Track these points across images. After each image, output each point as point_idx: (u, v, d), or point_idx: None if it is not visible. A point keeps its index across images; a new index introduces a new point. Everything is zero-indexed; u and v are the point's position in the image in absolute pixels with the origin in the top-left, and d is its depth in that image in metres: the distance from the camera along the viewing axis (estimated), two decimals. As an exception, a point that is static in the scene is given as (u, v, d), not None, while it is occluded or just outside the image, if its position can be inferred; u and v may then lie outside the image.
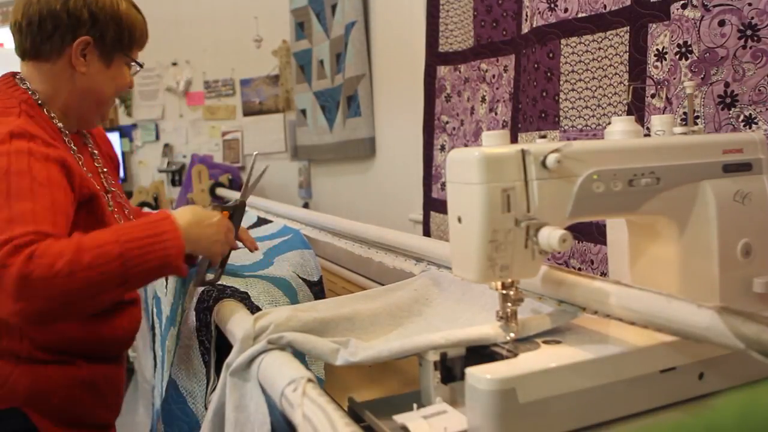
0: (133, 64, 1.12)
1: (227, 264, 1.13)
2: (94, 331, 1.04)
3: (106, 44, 1.05)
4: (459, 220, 0.66)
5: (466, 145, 1.74)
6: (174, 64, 3.53)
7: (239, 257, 1.38)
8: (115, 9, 1.04)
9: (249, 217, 2.00)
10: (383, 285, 0.97)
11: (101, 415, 1.09)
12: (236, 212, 1.10)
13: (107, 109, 1.15)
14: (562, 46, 1.28)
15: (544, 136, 1.33)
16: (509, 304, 0.67)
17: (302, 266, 1.27)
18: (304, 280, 1.21)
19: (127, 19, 1.06)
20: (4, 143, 0.89)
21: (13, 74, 1.06)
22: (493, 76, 1.63)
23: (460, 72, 1.78)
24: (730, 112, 0.97)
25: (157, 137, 3.60)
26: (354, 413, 0.68)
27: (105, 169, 1.16)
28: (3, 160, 0.87)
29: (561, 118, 1.30)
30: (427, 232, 1.92)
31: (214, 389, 0.93)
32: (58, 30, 1.01)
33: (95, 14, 1.02)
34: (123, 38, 1.07)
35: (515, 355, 0.62)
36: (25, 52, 1.04)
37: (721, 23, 0.96)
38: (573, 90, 1.27)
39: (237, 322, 0.89)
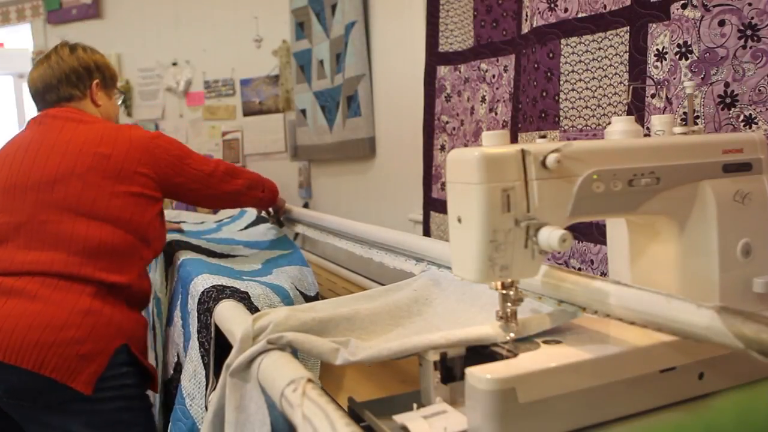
0: (118, 95, 1.61)
1: (229, 267, 1.31)
2: (148, 288, 1.43)
3: (106, 83, 1.53)
4: (459, 220, 0.66)
5: (466, 145, 1.74)
6: (174, 64, 3.53)
7: (238, 264, 1.39)
8: (103, 59, 1.55)
9: (249, 216, 2.00)
10: (383, 285, 0.97)
11: (148, 355, 1.42)
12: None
13: None
14: (562, 46, 1.28)
15: (544, 136, 1.33)
16: (509, 304, 0.67)
17: (300, 280, 1.28)
18: (301, 293, 1.22)
19: (110, 64, 1.57)
20: (160, 134, 1.49)
21: (77, 112, 1.46)
22: (493, 76, 1.63)
23: (460, 72, 1.78)
24: (730, 112, 0.97)
25: (157, 137, 3.60)
26: (354, 413, 0.68)
27: None
28: (168, 137, 1.50)
29: (561, 118, 1.30)
30: (427, 232, 1.92)
31: (213, 389, 0.94)
32: (80, 79, 1.47)
33: (96, 63, 1.51)
34: (112, 77, 1.56)
35: (515, 355, 0.62)
36: (60, 99, 1.46)
37: (721, 23, 0.96)
38: (573, 90, 1.27)
39: (236, 323, 0.89)
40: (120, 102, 1.63)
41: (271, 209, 1.81)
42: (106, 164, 1.33)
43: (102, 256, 1.28)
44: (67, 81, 1.45)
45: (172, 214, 2.30)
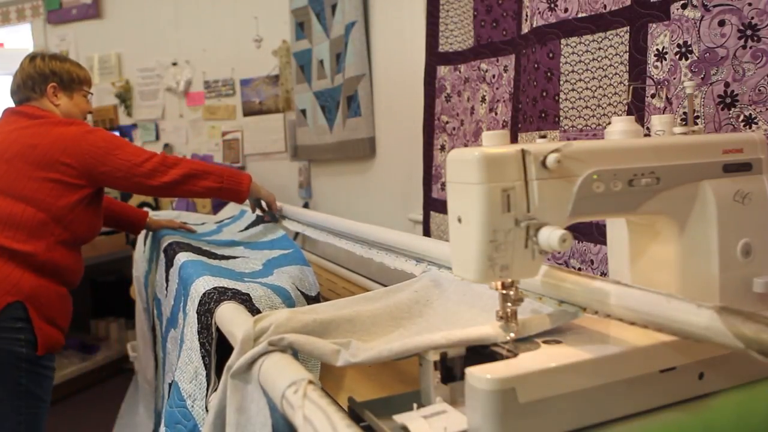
0: (88, 94, 1.80)
1: (230, 269, 1.33)
2: (73, 262, 1.65)
3: (65, 85, 1.74)
4: (459, 220, 0.66)
5: (466, 145, 1.75)
6: (174, 64, 3.53)
7: (239, 266, 1.39)
8: (61, 66, 1.74)
9: (249, 217, 2.00)
10: (384, 285, 0.98)
11: (62, 323, 1.66)
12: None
13: None
14: (562, 46, 1.28)
15: (544, 136, 1.33)
16: (509, 304, 0.67)
17: (301, 280, 1.27)
18: (302, 293, 1.22)
19: (71, 68, 1.76)
20: (99, 129, 1.69)
21: (31, 108, 1.71)
22: (493, 76, 1.63)
23: (460, 72, 1.78)
24: (730, 112, 0.97)
25: (157, 137, 3.60)
26: (354, 413, 0.68)
27: None
28: (105, 132, 1.70)
29: (561, 118, 1.30)
30: (427, 232, 1.92)
31: (215, 391, 0.94)
32: (35, 83, 1.72)
33: (52, 69, 1.73)
34: (74, 80, 1.76)
35: (515, 355, 0.62)
36: (22, 100, 1.74)
37: (721, 23, 0.96)
38: (573, 90, 1.27)
39: (238, 324, 0.89)
40: (89, 101, 1.82)
41: (264, 205, 1.85)
42: (31, 153, 1.59)
43: (10, 226, 1.55)
44: (24, 86, 1.73)
45: (172, 214, 2.30)
